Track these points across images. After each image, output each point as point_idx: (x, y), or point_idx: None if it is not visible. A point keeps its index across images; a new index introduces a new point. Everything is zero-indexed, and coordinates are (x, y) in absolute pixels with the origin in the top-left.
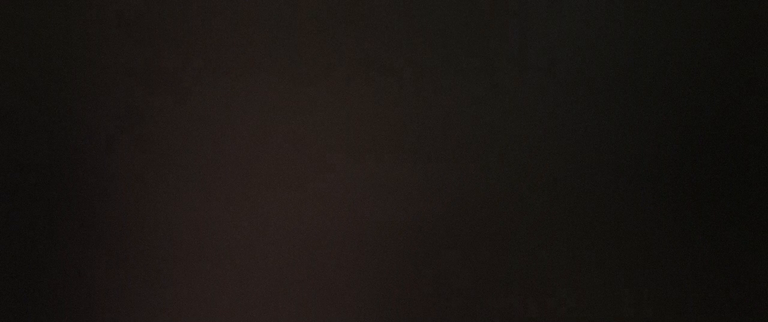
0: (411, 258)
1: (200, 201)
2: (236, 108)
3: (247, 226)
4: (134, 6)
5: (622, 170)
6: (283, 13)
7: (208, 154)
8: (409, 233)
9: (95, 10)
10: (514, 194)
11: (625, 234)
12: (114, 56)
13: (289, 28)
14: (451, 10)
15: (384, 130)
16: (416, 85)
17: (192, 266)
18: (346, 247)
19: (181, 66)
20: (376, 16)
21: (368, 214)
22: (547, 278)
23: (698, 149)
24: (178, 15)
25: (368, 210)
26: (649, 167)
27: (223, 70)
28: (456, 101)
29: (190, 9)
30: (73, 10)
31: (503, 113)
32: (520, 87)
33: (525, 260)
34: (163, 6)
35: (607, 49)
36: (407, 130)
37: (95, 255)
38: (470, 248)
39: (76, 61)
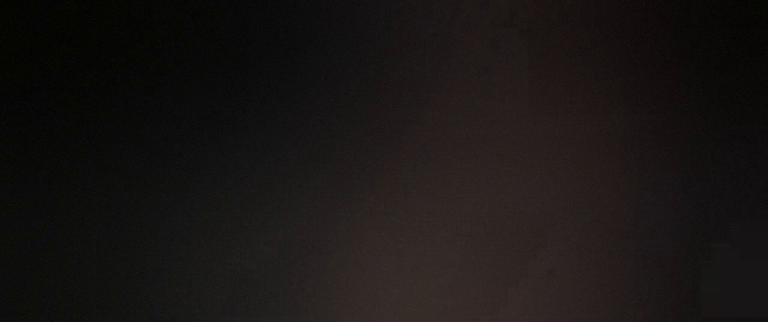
0: None
1: (201, 202)
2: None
3: (247, 226)
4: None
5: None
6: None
7: (210, 155)
8: None
9: (96, 10)
10: None
11: None
12: (115, 56)
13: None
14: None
15: None
16: None
17: (192, 266)
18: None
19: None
20: None
21: None
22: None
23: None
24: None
25: None
26: None
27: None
28: None
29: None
30: (74, 9)
31: None
32: None
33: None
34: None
35: None
36: None
37: (95, 255)
38: None
39: (79, 61)
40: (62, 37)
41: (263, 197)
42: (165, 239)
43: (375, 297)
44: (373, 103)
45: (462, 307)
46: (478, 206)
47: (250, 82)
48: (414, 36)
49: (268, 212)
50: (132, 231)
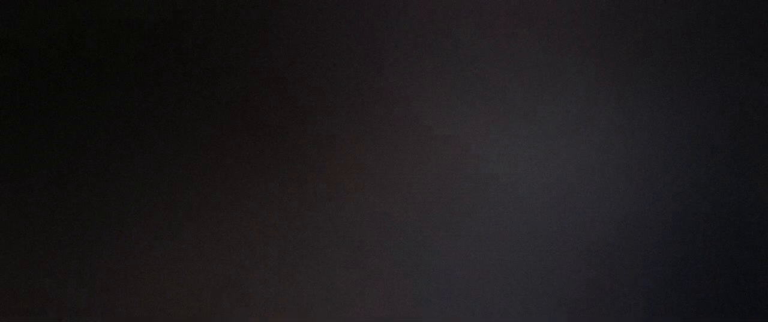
0: None
1: (200, 202)
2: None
3: (246, 225)
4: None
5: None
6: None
7: (210, 154)
8: None
9: (97, 10)
10: None
11: None
12: (115, 56)
13: None
14: None
15: None
16: None
17: (192, 265)
18: None
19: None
20: None
21: None
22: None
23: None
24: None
25: None
26: None
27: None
28: None
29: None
30: (75, 10)
31: None
32: None
33: None
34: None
35: None
36: None
37: (95, 255)
38: None
39: (79, 61)
40: (63, 38)
41: (262, 197)
42: (164, 239)
43: (374, 296)
44: (371, 103)
45: (462, 305)
46: (478, 206)
47: (250, 82)
48: (414, 36)
49: (266, 211)
50: (131, 231)
